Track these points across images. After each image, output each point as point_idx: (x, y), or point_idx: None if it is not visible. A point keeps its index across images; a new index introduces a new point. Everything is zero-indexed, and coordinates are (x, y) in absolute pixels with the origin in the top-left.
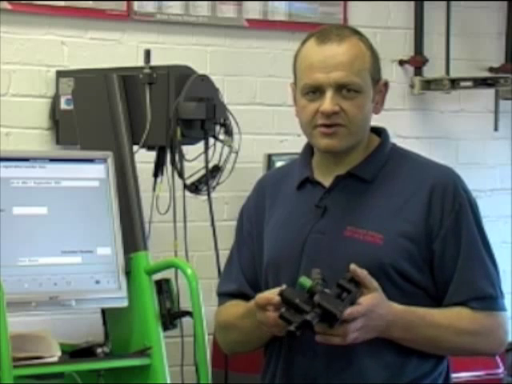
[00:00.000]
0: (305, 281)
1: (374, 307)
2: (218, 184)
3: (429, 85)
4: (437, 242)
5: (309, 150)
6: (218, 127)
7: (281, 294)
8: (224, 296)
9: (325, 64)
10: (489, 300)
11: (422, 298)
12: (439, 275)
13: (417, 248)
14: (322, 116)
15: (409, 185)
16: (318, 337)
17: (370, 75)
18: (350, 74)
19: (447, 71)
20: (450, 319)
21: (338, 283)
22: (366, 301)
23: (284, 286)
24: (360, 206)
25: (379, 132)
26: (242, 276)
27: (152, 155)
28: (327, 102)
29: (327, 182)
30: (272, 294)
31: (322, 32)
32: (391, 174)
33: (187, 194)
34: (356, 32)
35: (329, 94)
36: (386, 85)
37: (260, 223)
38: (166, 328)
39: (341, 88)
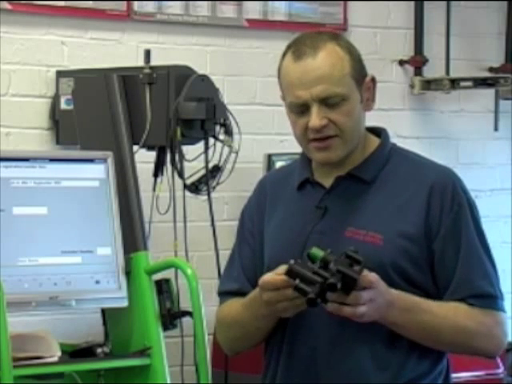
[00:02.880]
0: (317, 251)
1: (379, 281)
2: (218, 184)
3: (429, 85)
4: (436, 242)
5: None
6: (218, 127)
7: (290, 269)
8: (225, 295)
9: (304, 80)
10: (488, 298)
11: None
12: (438, 275)
13: (417, 248)
14: (312, 131)
15: (408, 185)
16: (330, 305)
17: (352, 78)
18: (331, 86)
19: (447, 71)
20: (447, 310)
21: (347, 254)
22: (373, 275)
23: (292, 261)
24: (360, 207)
25: (379, 132)
26: (243, 275)
27: (152, 155)
28: (313, 118)
29: (327, 182)
30: (276, 276)
31: (296, 45)
32: (391, 174)
33: (187, 193)
34: (332, 37)
35: (314, 109)
36: (373, 80)
37: (261, 222)
38: (166, 328)
39: (324, 100)
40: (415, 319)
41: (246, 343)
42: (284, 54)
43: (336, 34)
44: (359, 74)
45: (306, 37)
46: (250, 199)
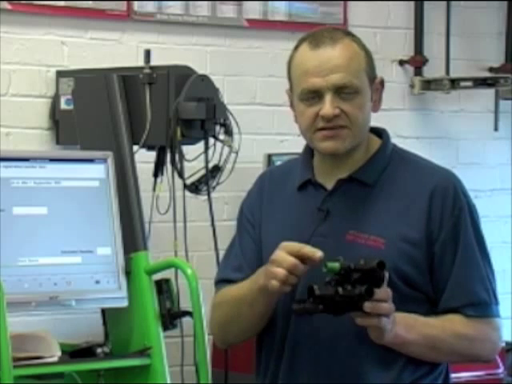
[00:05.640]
0: (332, 264)
1: None
2: (218, 184)
3: (429, 85)
4: (436, 246)
5: (309, 150)
6: (218, 127)
7: (319, 296)
8: (223, 282)
9: (321, 68)
10: (483, 306)
11: (423, 302)
12: (436, 278)
13: (418, 252)
14: (322, 120)
15: (410, 188)
16: (367, 305)
17: (366, 75)
18: (348, 76)
19: (447, 71)
20: (444, 321)
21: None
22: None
23: (315, 286)
24: (362, 210)
25: (380, 133)
26: (246, 265)
27: (152, 155)
28: (327, 106)
29: (329, 184)
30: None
31: (313, 36)
32: (392, 177)
33: (187, 193)
34: (348, 33)
35: (328, 97)
36: (381, 82)
37: (259, 216)
38: (166, 328)
39: (339, 90)
40: (420, 334)
41: (237, 326)
42: (297, 47)
43: (351, 32)
44: (372, 72)
45: (322, 30)
46: (250, 192)
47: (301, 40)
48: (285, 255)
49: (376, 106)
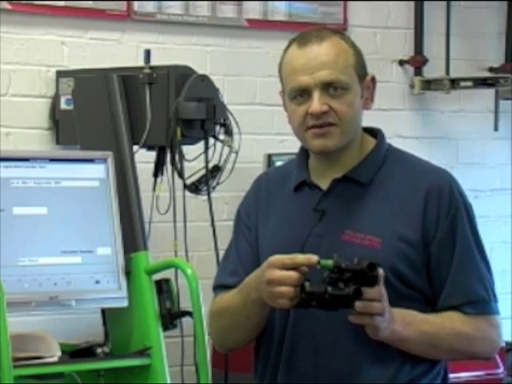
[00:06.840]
0: (325, 262)
1: None
2: (218, 184)
3: (429, 85)
4: (433, 245)
5: (305, 152)
6: (218, 127)
7: (309, 292)
8: (221, 288)
9: (308, 66)
10: (482, 304)
11: (419, 301)
12: (434, 277)
13: (414, 251)
14: (312, 117)
15: (405, 188)
16: (358, 304)
17: (355, 71)
18: (335, 72)
19: (447, 71)
20: (443, 318)
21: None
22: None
23: (307, 283)
24: (357, 210)
25: (375, 133)
26: (241, 268)
27: (152, 155)
28: (315, 103)
29: (324, 184)
30: (289, 259)
31: (301, 36)
32: (387, 176)
33: (187, 193)
34: (336, 32)
35: (316, 94)
36: (373, 80)
37: (256, 218)
38: (166, 328)
39: (327, 87)
40: (418, 331)
41: (235, 335)
42: (287, 48)
43: (340, 31)
44: (362, 69)
45: (310, 30)
46: (247, 196)
47: (290, 41)
48: (283, 273)
49: (368, 104)
